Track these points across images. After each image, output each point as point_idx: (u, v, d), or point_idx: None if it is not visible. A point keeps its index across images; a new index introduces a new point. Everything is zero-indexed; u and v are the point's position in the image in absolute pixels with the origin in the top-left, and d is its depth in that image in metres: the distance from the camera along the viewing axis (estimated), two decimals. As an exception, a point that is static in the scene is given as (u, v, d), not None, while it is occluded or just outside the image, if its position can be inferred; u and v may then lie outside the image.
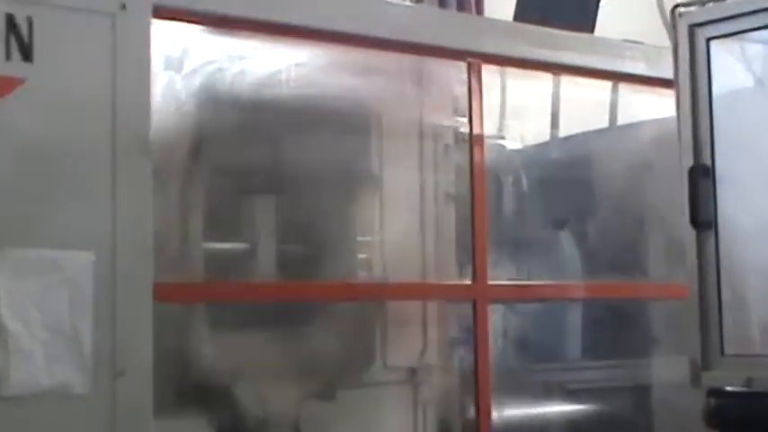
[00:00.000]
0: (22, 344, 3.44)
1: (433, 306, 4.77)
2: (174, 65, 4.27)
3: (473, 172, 4.69)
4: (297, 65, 4.57)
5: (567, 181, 5.55)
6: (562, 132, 5.80)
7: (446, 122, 4.92)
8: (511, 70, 5.28)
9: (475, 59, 4.76)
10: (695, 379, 3.74)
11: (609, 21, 5.69)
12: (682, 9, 3.89)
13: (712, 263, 3.73)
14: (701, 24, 3.84)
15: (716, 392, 3.68)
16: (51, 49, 3.58)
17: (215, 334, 4.26)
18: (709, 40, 3.84)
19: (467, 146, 4.75)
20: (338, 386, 4.55)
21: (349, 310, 4.63)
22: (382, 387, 4.65)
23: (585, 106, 5.79)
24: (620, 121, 5.79)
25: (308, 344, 4.49)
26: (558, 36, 5.02)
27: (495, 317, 5.06)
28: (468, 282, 4.70)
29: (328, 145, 4.58)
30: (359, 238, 4.68)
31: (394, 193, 4.74)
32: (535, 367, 5.35)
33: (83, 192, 3.61)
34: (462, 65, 4.76)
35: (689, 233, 3.77)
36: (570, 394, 5.35)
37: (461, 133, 4.86)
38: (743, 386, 3.63)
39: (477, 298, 4.66)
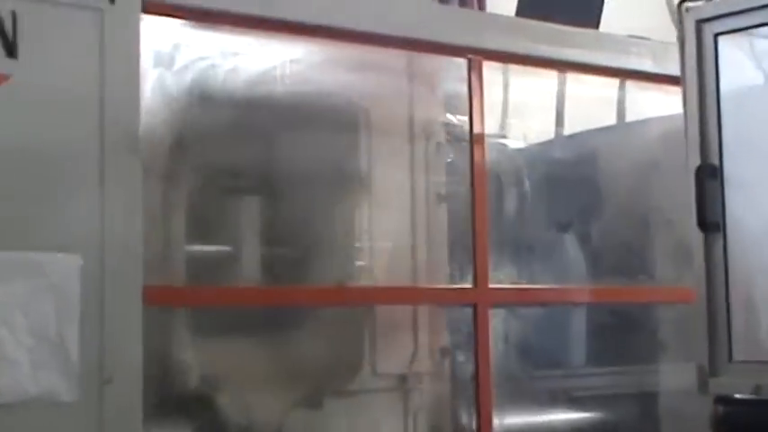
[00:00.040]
0: (7, 350, 3.42)
1: (423, 311, 4.76)
2: (165, 61, 4.25)
3: (473, 172, 4.69)
4: (292, 61, 4.56)
5: (570, 181, 5.54)
6: (566, 130, 5.79)
7: (438, 120, 4.91)
8: (513, 67, 5.28)
9: (476, 56, 4.76)
10: (702, 386, 3.73)
11: (614, 16, 5.68)
12: (689, 4, 3.88)
13: (720, 266, 3.72)
14: (708, 19, 3.83)
15: (724, 400, 3.67)
16: (37, 45, 3.56)
17: (197, 339, 4.24)
18: (717, 35, 3.83)
19: (460, 144, 4.74)
20: (325, 394, 4.53)
21: (337, 314, 4.62)
22: (371, 394, 4.63)
23: (590, 104, 5.78)
24: (621, 119, 5.79)
25: (294, 350, 4.47)
26: (562, 32, 5.02)
27: (496, 321, 5.05)
28: (469, 285, 4.70)
29: (316, 144, 4.57)
30: (347, 241, 4.67)
31: (383, 194, 4.73)
32: (538, 374, 5.33)
33: (70, 192, 3.59)
34: (462, 61, 4.75)
35: (696, 235, 3.76)
36: (574, 401, 5.34)
37: (455, 131, 4.85)
38: (752, 393, 3.62)
39: (477, 302, 4.66)
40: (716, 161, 3.75)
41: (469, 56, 4.75)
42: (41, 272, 3.49)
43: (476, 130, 4.74)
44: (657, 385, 5.41)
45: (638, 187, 5.53)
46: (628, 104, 5.72)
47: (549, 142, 5.82)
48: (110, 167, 3.66)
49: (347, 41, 4.50)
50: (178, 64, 4.30)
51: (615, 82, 5.61)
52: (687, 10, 3.88)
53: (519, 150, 5.61)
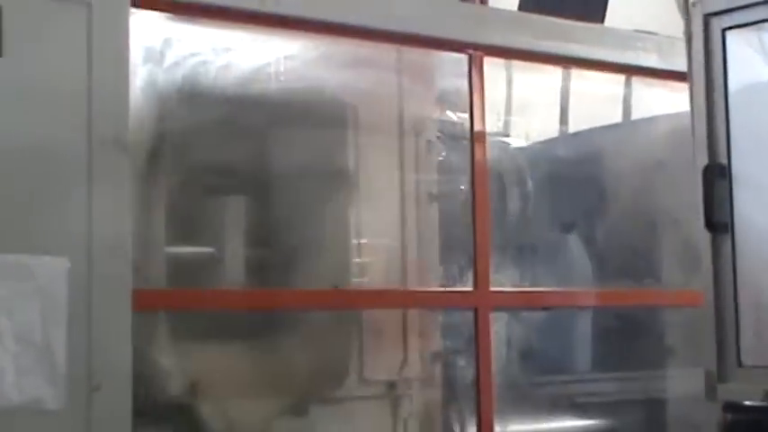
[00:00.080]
0: (-9, 356, 3.42)
1: (413, 314, 4.75)
2: (155, 57, 4.24)
3: (474, 171, 4.68)
4: (286, 58, 4.55)
5: (574, 180, 5.54)
6: (570, 128, 5.78)
7: (430, 117, 4.91)
8: (515, 63, 5.28)
9: (476, 52, 4.76)
10: (711, 392, 3.72)
11: (620, 10, 5.67)
12: (696, -3, 3.88)
13: (728, 268, 3.70)
14: (716, 14, 3.81)
15: (732, 406, 3.65)
16: (23, 41, 3.55)
17: (176, 344, 4.22)
18: (725, 30, 3.81)
19: (459, 142, 4.73)
20: (311, 401, 4.52)
21: (323, 318, 4.61)
22: (359, 402, 4.61)
23: (595, 101, 5.78)
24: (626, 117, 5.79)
25: (278, 355, 4.46)
26: (566, 27, 5.03)
27: (498, 326, 5.04)
28: (469, 288, 4.70)
29: (303, 142, 4.57)
30: (334, 242, 4.66)
31: (372, 193, 4.72)
32: (540, 379, 5.34)
33: (56, 192, 3.58)
34: (463, 57, 4.75)
35: (703, 236, 3.74)
36: (578, 408, 5.35)
37: (454, 129, 4.84)
38: (762, 400, 3.61)
39: (478, 305, 4.66)
40: (724, 160, 3.74)
41: (470, 51, 4.75)
42: (27, 275, 3.48)
43: (476, 127, 4.74)
44: (664, 391, 5.42)
45: (645, 187, 5.53)
46: (633, 101, 5.70)
47: (553, 140, 5.82)
48: (98, 166, 3.65)
49: (344, 37, 4.50)
50: (168, 60, 4.29)
51: (620, 78, 5.62)
52: (694, 4, 3.86)
53: (521, 149, 5.61)
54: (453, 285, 4.79)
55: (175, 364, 4.21)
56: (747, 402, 3.66)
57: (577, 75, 5.48)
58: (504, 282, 4.96)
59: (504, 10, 5.34)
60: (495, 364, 4.74)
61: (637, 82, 5.59)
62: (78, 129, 3.61)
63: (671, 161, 5.31)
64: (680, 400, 5.30)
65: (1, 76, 3.49)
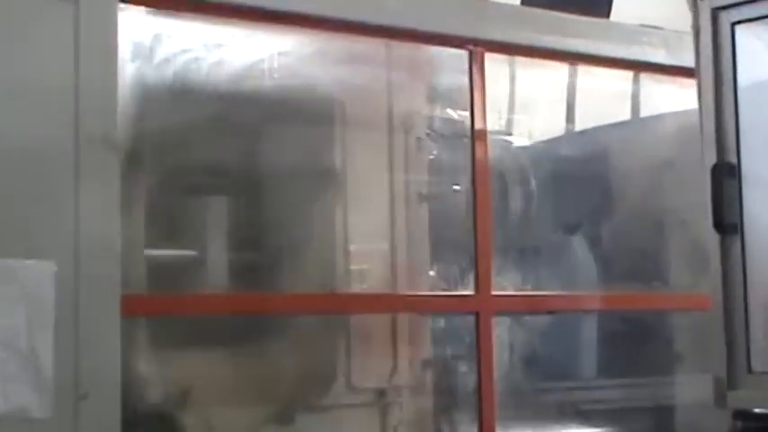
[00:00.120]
0: (-25, 364, 3.41)
1: (403, 319, 4.74)
2: (144, 54, 4.25)
3: (475, 170, 4.68)
4: (280, 54, 4.55)
5: (579, 180, 5.54)
6: (575, 126, 5.79)
7: (419, 113, 4.90)
8: (518, 59, 5.28)
9: (477, 47, 4.75)
10: (720, 399, 3.71)
11: (625, 4, 5.66)
12: (705, -10, 3.87)
13: (738, 270, 3.69)
14: (725, 7, 3.81)
15: (743, 414, 3.65)
16: (8, 37, 3.57)
17: (157, 351, 4.21)
18: (734, 24, 3.81)
19: (442, 139, 4.74)
20: (297, 409, 4.50)
21: (309, 324, 4.59)
22: (346, 410, 4.60)
23: (601, 98, 5.78)
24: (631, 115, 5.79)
25: (263, 362, 4.45)
26: (570, 21, 5.03)
27: (500, 330, 5.04)
28: (470, 292, 4.69)
29: (287, 139, 4.56)
30: (320, 244, 4.65)
31: (359, 193, 4.71)
32: (544, 386, 5.33)
33: (42, 193, 3.59)
34: (463, 53, 4.75)
35: (712, 237, 3.74)
36: (583, 416, 5.34)
37: (455, 126, 4.84)
38: (773, 407, 3.61)
39: (479, 310, 4.65)
40: (733, 159, 3.73)
41: (470, 47, 4.74)
42: (12, 279, 3.48)
43: (477, 125, 4.73)
44: (672, 398, 5.41)
45: (652, 187, 5.53)
46: (642, 99, 5.70)
47: (557, 139, 5.81)
48: (85, 166, 3.66)
49: (339, 33, 4.49)
50: (158, 57, 4.29)
51: (628, 75, 5.60)
52: (702, -3, 3.86)
53: (524, 148, 5.61)
54: (445, 289, 4.76)
55: (156, 372, 4.19)
56: (758, 410, 3.65)
57: (583, 71, 5.48)
58: (506, 285, 4.95)
59: (505, 4, 5.33)
60: (497, 371, 4.74)
61: (645, 78, 5.58)
62: (65, 127, 3.62)
63: (680, 160, 5.31)
64: (688, 407, 5.29)
65: (-15, 73, 3.51)
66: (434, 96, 4.97)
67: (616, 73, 5.39)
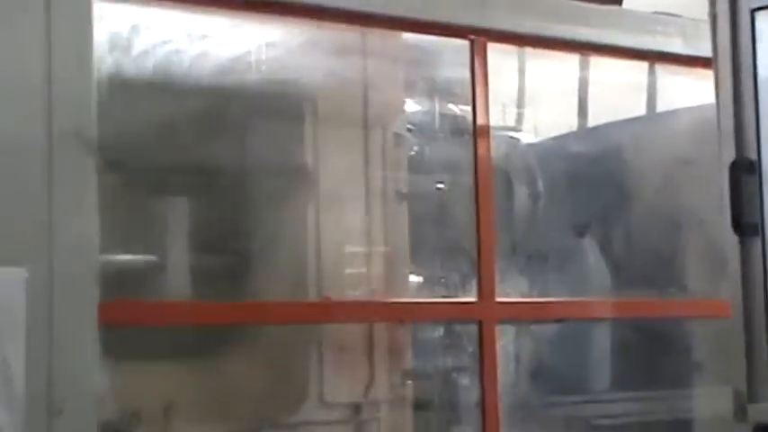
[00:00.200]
0: (-60, 377, 3.41)
1: (380, 328, 4.73)
2: (122, 46, 4.25)
3: (477, 169, 4.69)
4: (268, 45, 4.55)
5: (590, 179, 5.54)
6: (586, 122, 5.80)
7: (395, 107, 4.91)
8: (524, 50, 5.28)
9: (479, 37, 4.75)
10: (740, 412, 3.70)
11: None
12: (721, -26, 3.87)
13: (759, 274, 3.68)
14: (744, -8, 3.81)
15: (764, 429, 3.64)
16: (-26, 30, 3.56)
17: (112, 363, 4.18)
18: (754, 11, 3.80)
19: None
20: (265, 426, 4.50)
21: (279, 333, 4.57)
22: (318, 428, 4.58)
23: (614, 92, 5.78)
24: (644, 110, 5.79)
25: (228, 375, 4.43)
26: (580, 9, 5.04)
27: (505, 340, 5.04)
28: (473, 299, 4.70)
29: (254, 136, 4.56)
30: (290, 247, 4.65)
31: (332, 192, 4.70)
32: (552, 400, 5.33)
33: (12, 193, 3.57)
34: (465, 43, 4.75)
35: (731, 239, 3.73)
36: (595, 431, 5.33)
37: (448, 121, 4.85)
38: (796, 421, 3.60)
39: (482, 318, 4.66)
40: (753, 155, 3.73)
41: (472, 37, 4.74)
42: (-20, 287, 3.48)
43: (480, 121, 4.73)
44: (689, 412, 5.42)
45: (668, 186, 5.52)
46: (657, 92, 5.71)
47: (567, 135, 5.82)
48: (59, 167, 3.65)
49: (331, 22, 4.50)
50: (137, 49, 4.29)
51: (642, 67, 5.60)
52: (719, -18, 3.86)
53: (531, 145, 5.62)
54: (428, 293, 4.78)
55: (109, 387, 4.16)
56: (780, 424, 3.65)
57: (595, 63, 5.48)
58: (510, 291, 4.95)
59: (509, -9, 5.36)
60: (502, 383, 4.73)
61: (660, 71, 5.58)
62: (37, 123, 3.62)
63: (699, 157, 5.30)
64: (706, 421, 5.29)
65: (-49, 65, 3.51)
66: (431, 90, 4.96)
67: (630, 64, 5.39)
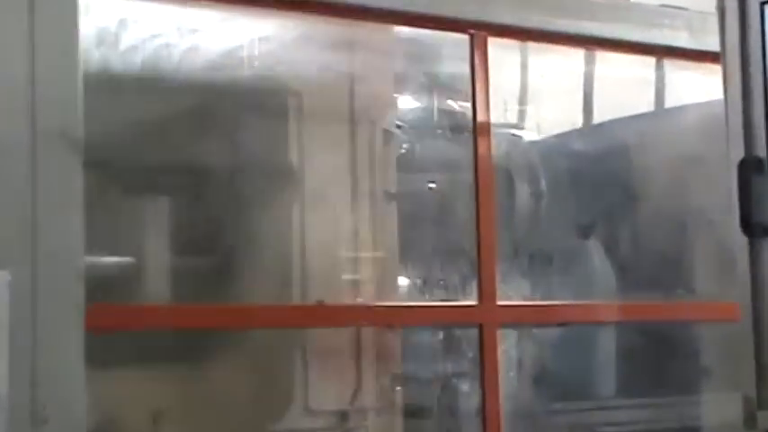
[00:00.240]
0: None
1: (368, 332, 4.71)
2: (109, 40, 4.25)
3: (477, 167, 4.68)
4: (261, 39, 4.55)
5: (595, 178, 5.54)
6: (589, 118, 5.79)
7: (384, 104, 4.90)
8: (526, 44, 5.29)
9: (479, 31, 4.75)
10: (749, 419, 3.69)
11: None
12: (730, -34, 3.86)
13: (768, 276, 3.68)
14: (753, -15, 3.80)
15: (774, 436, 3.64)
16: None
17: (89, 369, 4.16)
18: (763, 4, 3.79)
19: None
20: None
21: (262, 338, 4.56)
22: None
23: (619, 88, 5.78)
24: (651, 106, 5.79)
25: (209, 382, 4.42)
26: (583, 2, 5.05)
27: (507, 345, 5.04)
28: (473, 302, 4.69)
29: (236, 133, 4.56)
30: (274, 249, 4.64)
31: (318, 192, 4.69)
32: (556, 407, 5.33)
33: (-5, 197, 3.57)
34: (465, 38, 4.74)
35: (739, 240, 3.72)
36: (601, 439, 5.35)
37: (456, 119, 4.85)
38: (808, 429, 3.59)
39: (483, 321, 4.65)
40: (762, 153, 3.71)
41: (472, 31, 4.74)
42: (-39, 291, 3.47)
43: (480, 118, 4.73)
44: (698, 419, 5.41)
45: (676, 185, 5.51)
46: (659, 87, 5.71)
47: (571, 133, 5.82)
48: (44, 167, 3.64)
49: (325, 16, 4.51)
50: (125, 44, 4.29)
51: (649, 62, 5.60)
52: (727, -27, 3.85)
53: (534, 142, 5.62)
54: (418, 297, 4.78)
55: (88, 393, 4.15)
56: (791, 432, 3.64)
57: (600, 58, 5.48)
58: (512, 294, 4.95)
59: (511, -16, 5.36)
60: (504, 389, 4.73)
61: (668, 65, 5.58)
62: (20, 121, 3.60)
63: (707, 155, 5.30)
64: (715, 429, 5.29)
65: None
66: (430, 86, 4.96)
67: (636, 59, 5.38)
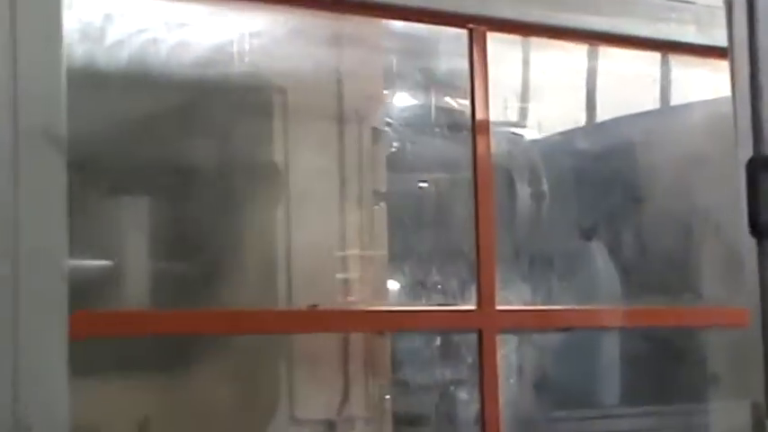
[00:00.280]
0: None
1: (357, 338, 4.70)
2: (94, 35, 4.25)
3: (476, 167, 4.68)
4: (251, 35, 4.55)
5: (598, 178, 5.54)
6: (592, 117, 5.80)
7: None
8: (526, 40, 5.30)
9: (478, 26, 4.74)
10: (758, 427, 3.68)
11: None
12: (738, -42, 3.86)
13: (778, 280, 3.68)
14: (761, -23, 3.80)
15: (784, 445, 3.63)
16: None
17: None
18: (772, -3, 3.80)
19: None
20: None
21: (245, 344, 4.55)
22: None
23: (623, 84, 5.78)
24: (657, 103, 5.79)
25: (190, 389, 4.41)
26: (586, -5, 5.03)
27: (507, 351, 5.04)
28: (472, 307, 4.69)
29: (218, 131, 4.56)
30: (258, 251, 4.63)
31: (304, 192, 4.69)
32: (558, 415, 5.33)
33: (-26, 197, 3.56)
34: (463, 33, 4.74)
35: (747, 242, 3.72)
36: (604, 448, 5.35)
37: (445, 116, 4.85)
38: (818, 437, 3.59)
39: (482, 327, 4.65)
40: (772, 152, 3.72)
41: (471, 26, 4.73)
42: (-61, 295, 3.47)
43: (479, 116, 4.73)
44: (705, 427, 5.42)
45: (682, 186, 5.52)
46: (665, 84, 5.71)
47: (574, 131, 5.82)
48: (26, 167, 3.62)
49: (319, 10, 4.50)
50: (110, 39, 4.29)
51: (654, 58, 5.60)
52: (735, -34, 3.85)
53: (535, 141, 5.62)
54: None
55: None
56: (801, 440, 3.64)
57: (603, 53, 5.48)
58: (512, 299, 4.95)
59: (510, -23, 5.36)
60: (503, 397, 4.73)
61: (674, 62, 5.58)
62: (2, 119, 3.58)
63: (714, 154, 5.30)
64: (724, 437, 5.31)
65: None
66: (427, 82, 4.96)
67: (641, 55, 5.38)
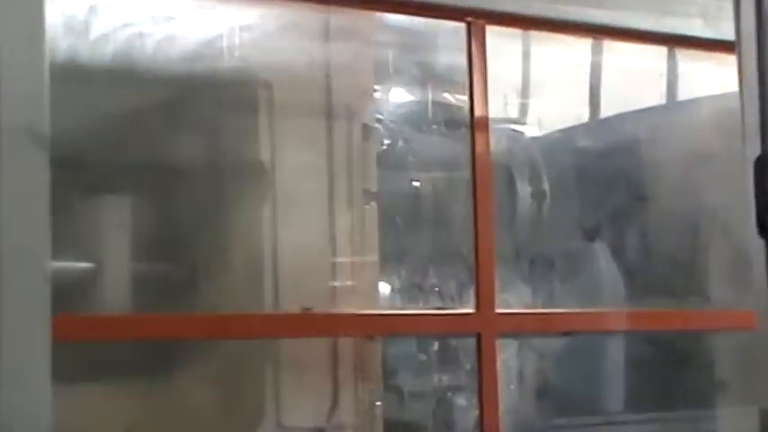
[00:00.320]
0: None
1: (347, 343, 4.69)
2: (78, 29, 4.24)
3: (475, 165, 4.68)
4: (242, 29, 4.54)
5: (602, 176, 5.54)
6: (594, 113, 5.80)
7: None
8: (528, 33, 5.30)
9: (477, 19, 4.74)
10: (766, 435, 3.69)
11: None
12: (745, -51, 3.85)
13: (787, 282, 3.67)
14: (770, -32, 3.79)
15: (793, 453, 3.63)
16: None
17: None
18: (781, -11, 3.79)
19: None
20: None
21: (229, 349, 4.54)
22: None
23: (628, 80, 5.79)
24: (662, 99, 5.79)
25: (173, 396, 4.41)
26: (589, -13, 5.03)
27: (507, 355, 5.03)
28: (471, 310, 4.69)
29: (204, 128, 4.56)
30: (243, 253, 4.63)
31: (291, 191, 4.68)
32: (560, 422, 5.34)
33: (-47, 197, 3.55)
34: (461, 26, 4.74)
35: (755, 242, 3.71)
36: (607, 457, 5.35)
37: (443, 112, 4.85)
38: (829, 445, 3.58)
39: (481, 330, 4.65)
40: (781, 149, 3.72)
41: (469, 19, 4.74)
42: None
43: (477, 112, 4.73)
44: (713, 435, 5.43)
45: (688, 184, 5.52)
46: (671, 79, 5.71)
47: (576, 128, 5.82)
48: (7, 165, 3.60)
49: (317, 3, 4.53)
50: (95, 32, 4.28)
51: (660, 52, 5.60)
52: (743, -43, 3.85)
53: (536, 138, 5.62)
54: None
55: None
56: (811, 448, 3.63)
57: (607, 47, 5.49)
58: (512, 302, 4.95)
59: (510, -31, 5.36)
60: (503, 403, 4.73)
61: (680, 56, 5.59)
62: (-19, 118, 3.59)
63: (721, 152, 5.31)
64: (732, 444, 5.31)
65: None
66: (423, 77, 4.96)
67: (646, 49, 5.38)
